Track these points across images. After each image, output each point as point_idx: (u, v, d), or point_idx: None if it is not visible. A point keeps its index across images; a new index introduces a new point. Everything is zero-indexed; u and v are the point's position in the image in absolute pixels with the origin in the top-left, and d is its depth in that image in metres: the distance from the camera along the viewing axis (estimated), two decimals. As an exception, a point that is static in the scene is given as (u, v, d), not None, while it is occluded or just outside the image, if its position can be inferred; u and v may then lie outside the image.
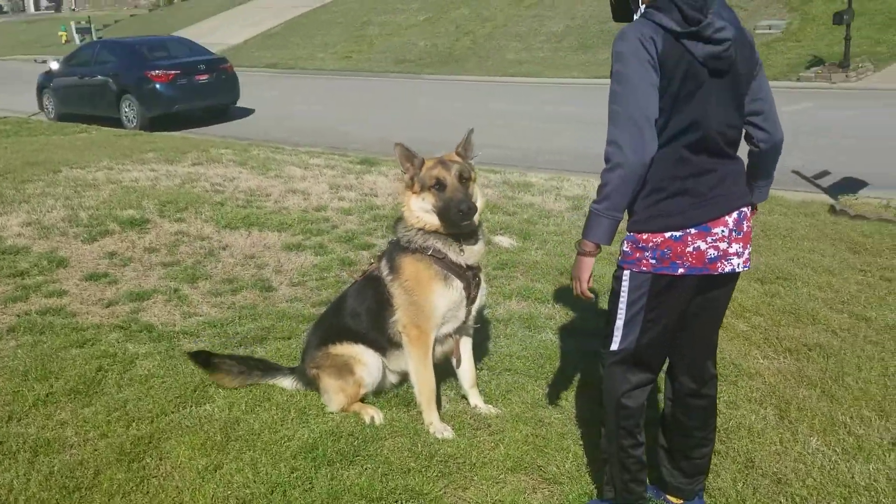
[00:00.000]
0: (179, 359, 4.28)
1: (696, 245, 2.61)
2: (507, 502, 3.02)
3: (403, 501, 3.01)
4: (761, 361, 4.19)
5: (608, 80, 2.62)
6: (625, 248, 2.71)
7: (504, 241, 6.55)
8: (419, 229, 3.58)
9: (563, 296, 5.16)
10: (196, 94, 15.00)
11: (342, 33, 27.27)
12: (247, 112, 16.28)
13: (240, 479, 3.18)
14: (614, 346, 2.78)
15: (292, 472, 3.19)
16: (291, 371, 4.06)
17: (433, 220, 3.54)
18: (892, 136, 10.47)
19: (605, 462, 2.94)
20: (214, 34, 29.57)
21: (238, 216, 7.19)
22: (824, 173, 8.95)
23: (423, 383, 3.68)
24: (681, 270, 2.63)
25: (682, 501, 2.99)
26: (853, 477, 3.11)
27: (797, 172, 8.95)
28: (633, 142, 2.52)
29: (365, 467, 3.23)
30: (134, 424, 3.62)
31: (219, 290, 5.56)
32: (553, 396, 3.84)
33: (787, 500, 3.00)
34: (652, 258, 2.64)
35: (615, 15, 3.00)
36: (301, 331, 4.74)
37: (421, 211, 3.54)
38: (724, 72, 2.59)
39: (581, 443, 3.42)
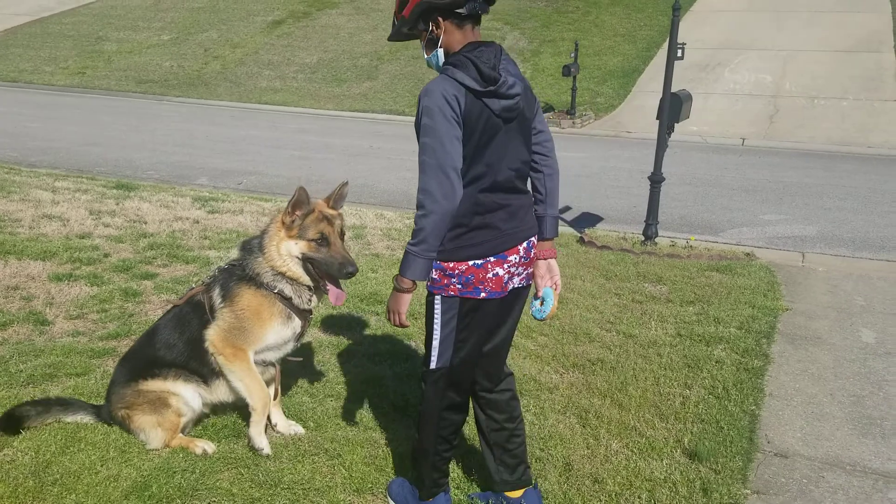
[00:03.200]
0: (-43, 401, 3.82)
1: (494, 271, 2.93)
2: (360, 522, 3.10)
3: (257, 531, 2.98)
4: (555, 376, 4.65)
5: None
6: (434, 276, 2.94)
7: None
8: (277, 272, 3.54)
9: (368, 321, 5.32)
10: None
11: (74, 47, 25.22)
12: (-34, 127, 14.57)
13: (66, 525, 2.94)
14: (433, 365, 3.04)
15: (129, 513, 3.01)
16: (96, 409, 3.79)
17: (295, 268, 3.53)
18: (617, 177, 11.91)
19: (415, 461, 3.23)
20: (-87, 37, 26.01)
21: (-10, 243, 6.48)
22: (566, 208, 9.95)
23: (255, 390, 3.61)
24: (483, 294, 2.94)
25: (519, 493, 3.27)
26: (653, 472, 3.59)
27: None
28: (442, 189, 2.75)
29: (209, 501, 3.13)
30: (-79, 477, 3.18)
31: (-17, 324, 5.00)
32: (380, 419, 3.97)
33: (605, 496, 3.40)
34: (458, 284, 2.92)
35: (396, 37, 3.09)
36: (94, 366, 4.44)
37: (288, 256, 3.51)
38: (514, 119, 2.94)
39: (417, 460, 3.58)
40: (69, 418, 3.73)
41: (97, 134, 14.69)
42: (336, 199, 3.62)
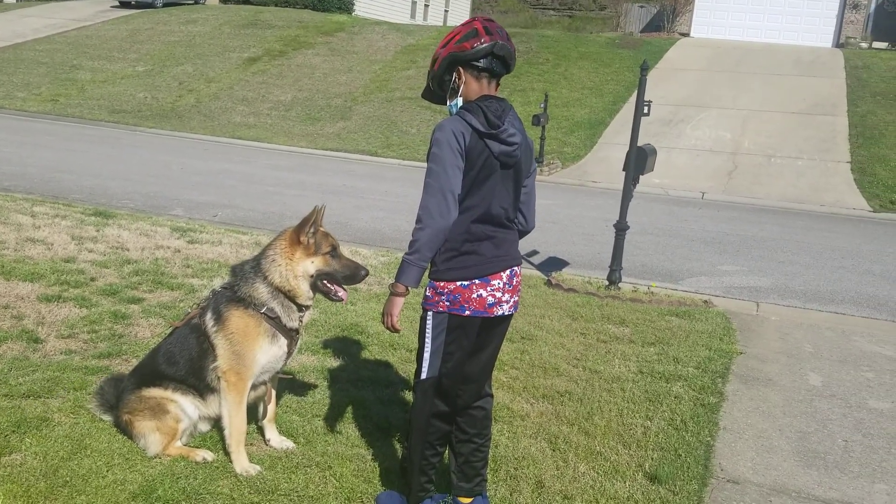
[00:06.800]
0: (-37, 409, 4.01)
1: (478, 293, 3.34)
2: (351, 527, 3.37)
3: (258, 532, 3.23)
4: (526, 405, 4.97)
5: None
6: (427, 294, 3.39)
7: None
8: (278, 290, 3.78)
9: (350, 349, 5.59)
10: None
11: (47, 74, 25.31)
12: (-61, 150, 14.58)
13: (78, 523, 3.15)
14: (424, 375, 3.42)
15: (138, 513, 3.24)
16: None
17: (304, 287, 3.79)
18: (582, 224, 12.39)
19: (404, 471, 3.57)
20: None
21: (-22, 263, 6.65)
22: (534, 252, 10.35)
23: (235, 426, 3.86)
24: (467, 312, 3.34)
25: (469, 500, 3.60)
26: (617, 492, 3.92)
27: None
28: (439, 208, 3.21)
29: (212, 504, 3.38)
30: (-64, 476, 3.38)
31: (-23, 340, 5.17)
32: (366, 438, 4.25)
33: (574, 510, 3.71)
34: (447, 301, 3.33)
35: (427, 95, 3.61)
36: (90, 382, 4.64)
37: (303, 275, 3.77)
38: (510, 166, 3.39)
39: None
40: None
41: (71, 161, 14.80)
42: (321, 220, 3.89)
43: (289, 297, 3.82)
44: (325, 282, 3.81)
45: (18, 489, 3.33)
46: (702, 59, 24.56)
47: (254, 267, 3.89)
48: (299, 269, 3.78)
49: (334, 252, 3.82)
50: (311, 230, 3.78)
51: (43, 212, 9.69)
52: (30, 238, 8.00)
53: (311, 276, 3.79)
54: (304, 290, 3.82)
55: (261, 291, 3.80)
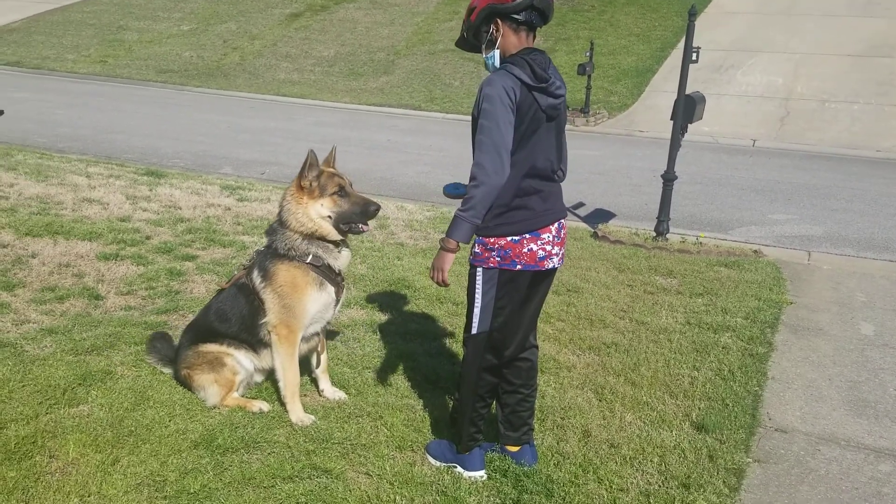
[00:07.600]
0: (32, 364, 4.21)
1: (529, 247, 3.34)
2: (403, 473, 3.48)
3: (313, 478, 3.37)
4: (572, 357, 5.02)
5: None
6: (476, 250, 3.39)
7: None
8: (306, 235, 3.86)
9: (397, 304, 5.69)
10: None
11: (95, 36, 25.66)
12: (-4, 113, 14.93)
13: (144, 469, 3.32)
14: (474, 331, 3.45)
15: (200, 459, 3.40)
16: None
17: (327, 226, 3.87)
18: (629, 175, 12.25)
19: (454, 421, 3.66)
20: (-62, 23, 26.46)
21: (39, 223, 6.89)
22: (580, 204, 10.30)
23: (289, 378, 3.99)
24: (519, 266, 3.35)
25: (517, 449, 3.71)
26: (664, 441, 3.97)
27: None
28: (494, 165, 3.17)
29: (269, 452, 3.52)
30: (11, 426, 3.57)
31: (42, 298, 5.39)
32: (415, 389, 4.35)
33: (620, 459, 3.77)
34: (497, 257, 3.34)
35: (461, 44, 3.57)
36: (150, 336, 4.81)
37: (318, 216, 3.85)
38: (554, 119, 3.38)
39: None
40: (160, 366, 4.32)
41: (121, 122, 15.08)
42: (332, 161, 3.96)
43: (319, 237, 3.90)
44: (342, 223, 3.88)
45: (87, 438, 3.51)
46: (752, 1, 23.78)
47: (279, 222, 3.99)
48: (312, 213, 3.85)
49: (342, 191, 3.85)
50: (313, 174, 3.83)
51: (97, 172, 9.95)
52: (86, 198, 8.23)
53: (329, 217, 3.86)
54: (328, 228, 3.89)
55: (297, 240, 3.88)
